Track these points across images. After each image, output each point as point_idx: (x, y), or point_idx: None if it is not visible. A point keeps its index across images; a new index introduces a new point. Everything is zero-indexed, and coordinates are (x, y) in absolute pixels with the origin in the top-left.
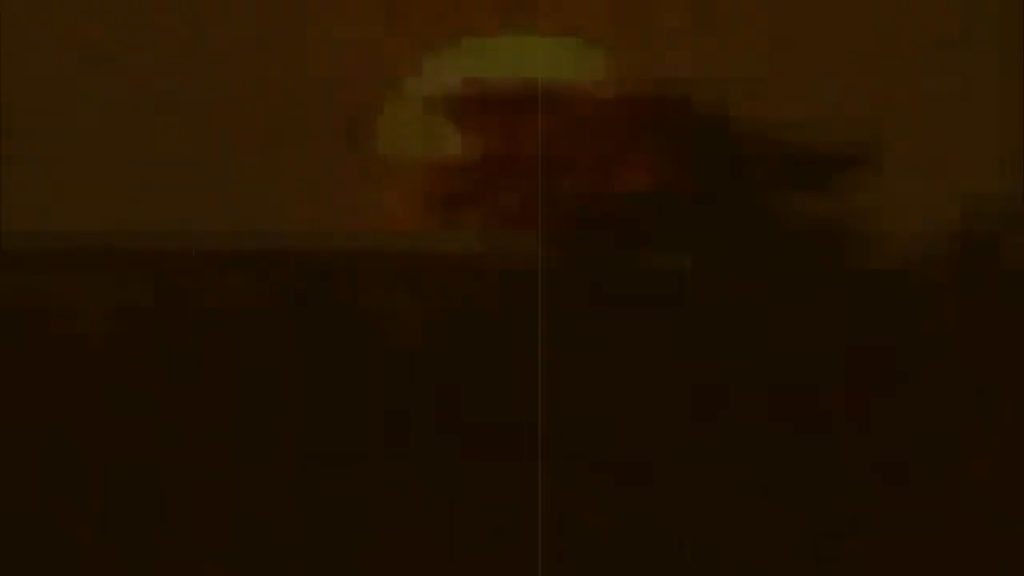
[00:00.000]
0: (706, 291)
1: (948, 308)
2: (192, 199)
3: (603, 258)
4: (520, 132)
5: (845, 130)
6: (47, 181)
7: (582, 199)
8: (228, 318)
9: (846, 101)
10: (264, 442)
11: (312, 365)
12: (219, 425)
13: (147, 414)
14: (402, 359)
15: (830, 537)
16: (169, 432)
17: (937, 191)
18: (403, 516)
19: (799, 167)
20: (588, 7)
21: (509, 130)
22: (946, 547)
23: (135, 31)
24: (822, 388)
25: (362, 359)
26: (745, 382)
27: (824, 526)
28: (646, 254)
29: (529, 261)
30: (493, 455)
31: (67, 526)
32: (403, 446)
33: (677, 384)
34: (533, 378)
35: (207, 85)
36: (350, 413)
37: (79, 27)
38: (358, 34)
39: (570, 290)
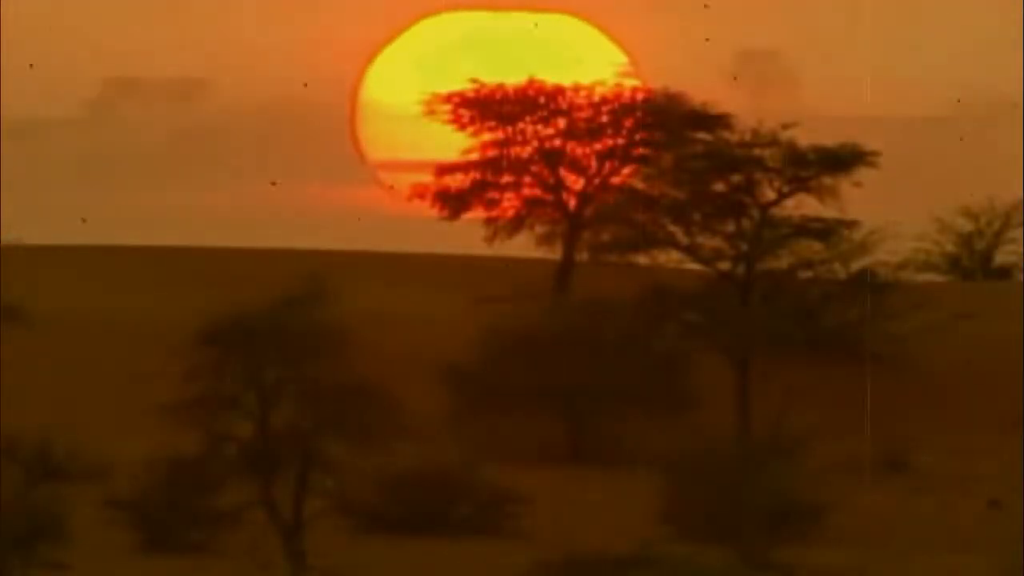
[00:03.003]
0: (706, 289)
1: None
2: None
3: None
4: (520, 132)
5: (845, 130)
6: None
7: (582, 198)
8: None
9: (847, 101)
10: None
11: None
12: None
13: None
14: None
15: None
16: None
17: (937, 192)
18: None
19: (799, 167)
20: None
21: (508, 130)
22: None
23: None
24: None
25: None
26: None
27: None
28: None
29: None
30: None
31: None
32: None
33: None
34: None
35: (203, 90)
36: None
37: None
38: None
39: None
